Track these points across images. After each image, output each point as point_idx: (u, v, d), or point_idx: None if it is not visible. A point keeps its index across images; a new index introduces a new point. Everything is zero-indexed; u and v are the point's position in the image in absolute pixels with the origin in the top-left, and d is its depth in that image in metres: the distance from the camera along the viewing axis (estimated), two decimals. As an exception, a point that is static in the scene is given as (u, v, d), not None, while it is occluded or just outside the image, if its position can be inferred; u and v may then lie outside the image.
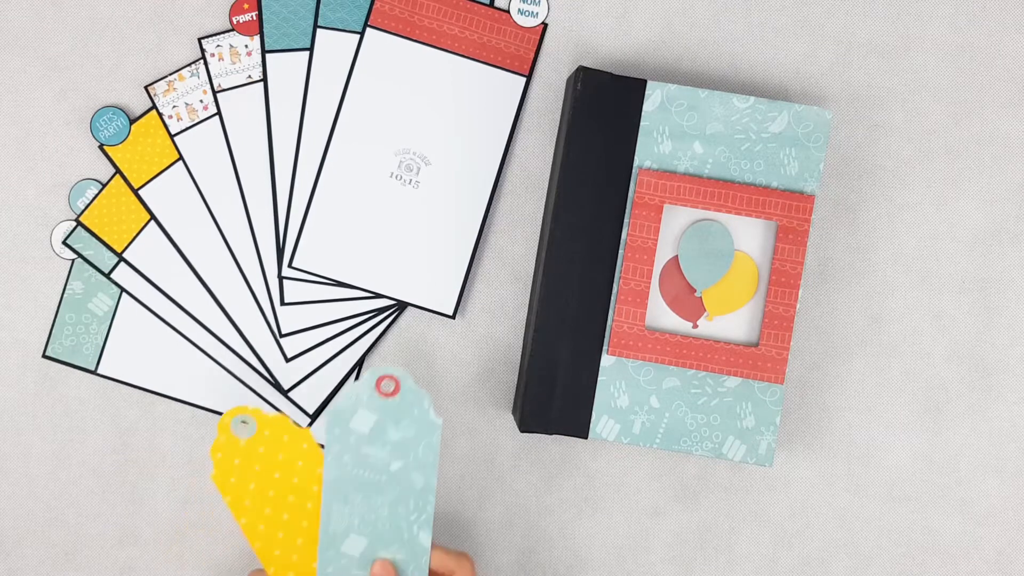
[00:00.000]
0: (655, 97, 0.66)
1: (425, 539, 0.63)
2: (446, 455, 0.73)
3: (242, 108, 0.73)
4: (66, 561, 0.74)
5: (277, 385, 0.74)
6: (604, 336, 0.67)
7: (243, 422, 0.64)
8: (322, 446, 0.67)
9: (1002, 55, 0.73)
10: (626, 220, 0.67)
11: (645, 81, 0.66)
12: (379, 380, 0.61)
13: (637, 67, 0.73)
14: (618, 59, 0.73)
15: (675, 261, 0.68)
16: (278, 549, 0.65)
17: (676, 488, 0.73)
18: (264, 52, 0.73)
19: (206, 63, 0.73)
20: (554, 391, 0.67)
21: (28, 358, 0.73)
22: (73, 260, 0.73)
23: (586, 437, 0.67)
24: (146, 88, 0.73)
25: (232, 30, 0.73)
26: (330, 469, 0.62)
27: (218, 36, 0.73)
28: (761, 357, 0.66)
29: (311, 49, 0.73)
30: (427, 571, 0.63)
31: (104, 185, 0.73)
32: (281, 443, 0.64)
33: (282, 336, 0.74)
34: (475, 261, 0.73)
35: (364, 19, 0.72)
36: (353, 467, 0.62)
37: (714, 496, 0.73)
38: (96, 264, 0.73)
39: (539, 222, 0.73)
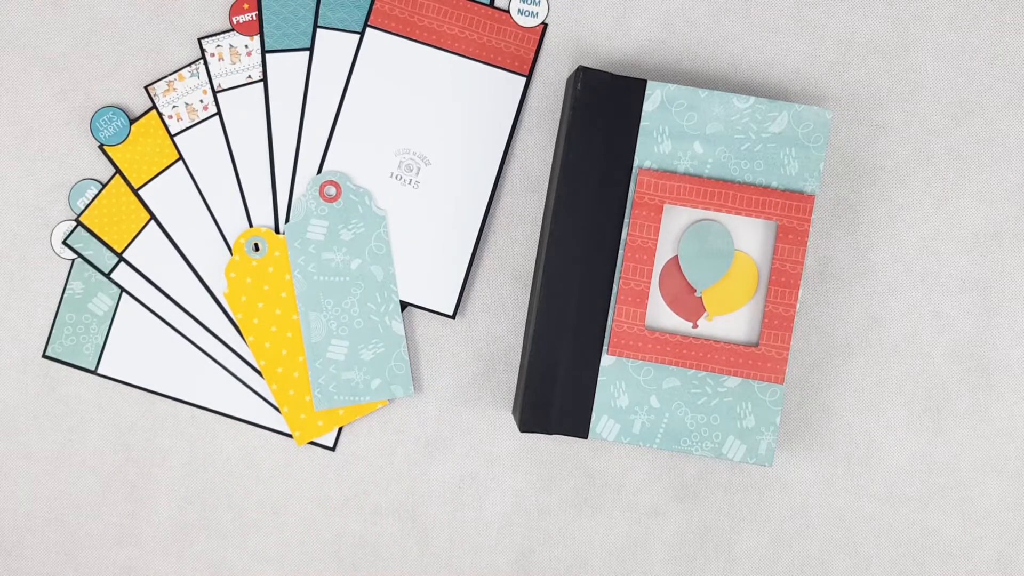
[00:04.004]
0: (655, 97, 0.66)
1: (398, 328, 0.67)
2: (447, 455, 0.73)
3: (242, 108, 0.73)
4: (66, 561, 0.74)
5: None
6: (604, 336, 0.67)
7: (256, 244, 0.68)
8: None
9: (1002, 55, 0.73)
10: (626, 220, 0.67)
11: (645, 81, 0.66)
12: (321, 187, 0.65)
13: (637, 67, 0.73)
14: (618, 59, 0.73)
15: (675, 261, 0.68)
16: (281, 367, 0.69)
17: (676, 488, 0.73)
18: (264, 52, 0.73)
19: (206, 63, 0.73)
20: (554, 391, 0.67)
21: (28, 358, 0.73)
22: (73, 260, 0.73)
23: (586, 437, 0.67)
24: (146, 88, 0.73)
25: (232, 30, 0.73)
26: (299, 282, 0.66)
27: (218, 36, 0.73)
28: (761, 357, 0.66)
29: (311, 49, 0.73)
30: (407, 358, 0.68)
31: (104, 185, 0.73)
32: (289, 264, 0.68)
33: (282, 336, 0.74)
34: (475, 261, 0.73)
35: (364, 19, 0.72)
36: (318, 275, 0.66)
37: (714, 496, 0.73)
38: (96, 264, 0.73)
39: (539, 222, 0.73)
